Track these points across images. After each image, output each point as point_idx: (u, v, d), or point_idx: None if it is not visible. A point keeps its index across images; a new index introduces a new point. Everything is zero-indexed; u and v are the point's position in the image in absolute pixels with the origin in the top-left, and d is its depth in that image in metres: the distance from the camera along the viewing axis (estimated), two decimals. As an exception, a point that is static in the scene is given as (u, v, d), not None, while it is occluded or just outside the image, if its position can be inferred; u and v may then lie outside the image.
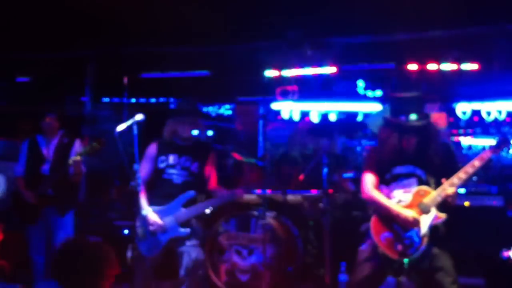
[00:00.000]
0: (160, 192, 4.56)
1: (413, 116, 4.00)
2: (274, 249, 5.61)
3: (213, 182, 4.71)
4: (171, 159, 4.57)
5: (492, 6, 5.88)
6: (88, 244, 2.93)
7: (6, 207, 5.60)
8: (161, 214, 4.50)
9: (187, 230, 4.50)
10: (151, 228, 4.46)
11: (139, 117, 4.37)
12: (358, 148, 7.09)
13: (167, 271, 4.59)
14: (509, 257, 4.00)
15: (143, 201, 4.54)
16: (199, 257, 4.55)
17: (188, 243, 4.52)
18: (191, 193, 4.51)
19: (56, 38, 7.20)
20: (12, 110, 8.17)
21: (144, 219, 4.50)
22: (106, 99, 8.97)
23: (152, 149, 4.68)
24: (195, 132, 4.64)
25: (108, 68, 8.03)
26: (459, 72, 6.83)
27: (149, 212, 4.49)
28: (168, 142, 4.60)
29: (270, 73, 7.46)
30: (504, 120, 6.89)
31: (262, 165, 6.03)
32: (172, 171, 4.56)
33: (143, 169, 4.59)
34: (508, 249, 4.77)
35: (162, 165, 4.61)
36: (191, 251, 4.51)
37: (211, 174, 4.71)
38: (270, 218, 5.70)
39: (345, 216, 5.80)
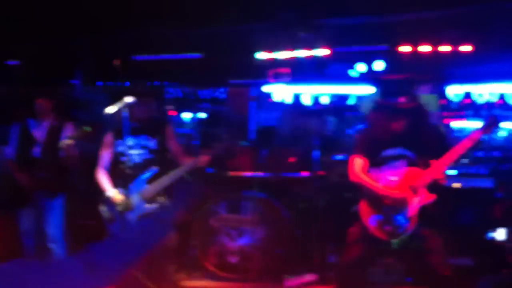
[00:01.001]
0: (123, 173, 4.55)
1: (402, 98, 3.99)
2: (264, 231, 5.62)
3: (179, 154, 4.72)
4: (128, 141, 4.58)
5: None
6: None
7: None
8: (126, 193, 4.52)
9: (154, 206, 4.53)
10: (118, 208, 4.48)
11: (129, 99, 4.35)
12: (350, 131, 7.06)
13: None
14: (494, 238, 4.03)
15: (107, 184, 4.59)
16: (170, 232, 4.54)
17: (156, 220, 4.52)
18: (154, 169, 4.55)
19: (47, 23, 7.14)
20: (3, 94, 8.12)
21: (110, 201, 4.54)
22: (99, 83, 8.93)
23: (109, 136, 4.72)
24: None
25: (100, 51, 7.98)
26: (452, 53, 6.80)
27: (114, 192, 4.53)
28: (121, 126, 4.57)
29: (261, 55, 7.42)
30: (496, 103, 6.88)
31: (253, 147, 6.03)
32: (131, 151, 4.57)
33: (104, 157, 4.69)
34: (494, 230, 4.78)
35: (120, 148, 4.64)
36: (161, 227, 4.52)
37: (174, 146, 4.73)
38: (260, 200, 5.70)
39: (335, 198, 5.80)
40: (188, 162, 4.68)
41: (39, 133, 5.51)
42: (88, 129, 5.08)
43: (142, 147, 4.64)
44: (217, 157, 6.06)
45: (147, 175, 4.55)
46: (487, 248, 4.93)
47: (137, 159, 4.57)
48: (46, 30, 7.38)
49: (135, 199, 4.53)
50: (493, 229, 3.89)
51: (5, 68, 8.51)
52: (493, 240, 3.16)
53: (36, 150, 5.44)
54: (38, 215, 5.45)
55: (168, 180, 4.57)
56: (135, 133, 4.58)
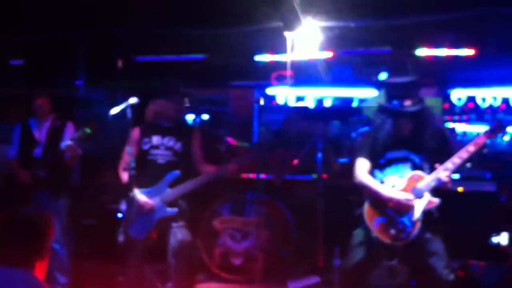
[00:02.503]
0: (145, 173, 4.54)
1: (407, 102, 3.99)
2: (268, 233, 5.63)
3: (200, 161, 4.71)
4: (155, 140, 4.58)
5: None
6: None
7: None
8: (147, 195, 4.50)
9: (175, 209, 4.52)
10: (139, 209, 4.46)
11: (133, 100, 4.35)
12: (353, 134, 7.08)
13: (157, 252, 4.60)
14: (498, 243, 4.04)
15: (128, 183, 4.54)
16: (185, 238, 4.56)
17: (174, 224, 4.55)
18: (176, 172, 4.53)
19: (49, 21, 7.13)
20: (4, 92, 8.11)
21: (132, 201, 4.50)
22: (101, 82, 8.91)
23: (136, 132, 4.69)
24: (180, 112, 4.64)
25: (102, 51, 7.97)
26: (455, 57, 6.81)
27: (137, 193, 4.49)
28: (151, 124, 4.57)
29: (263, 57, 7.42)
30: (499, 107, 6.89)
31: (256, 150, 6.02)
32: (156, 151, 4.56)
33: (127, 152, 4.55)
34: (498, 234, 4.78)
35: (145, 147, 4.62)
36: (177, 233, 4.53)
37: (197, 152, 4.72)
38: (264, 202, 5.71)
39: (339, 201, 5.80)
40: (212, 171, 4.66)
41: (40, 133, 5.50)
42: (88, 130, 5.04)
43: (167, 148, 4.61)
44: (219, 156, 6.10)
45: (169, 178, 4.52)
46: (490, 252, 4.93)
47: (161, 160, 4.56)
48: (48, 29, 7.37)
49: (156, 201, 4.51)
50: (497, 233, 3.90)
51: (8, 68, 8.50)
52: (497, 244, 3.15)
53: (37, 150, 5.44)
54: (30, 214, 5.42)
55: (191, 186, 4.55)
56: (163, 132, 4.57)
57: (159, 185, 4.51)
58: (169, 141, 4.62)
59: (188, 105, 4.77)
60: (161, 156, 4.56)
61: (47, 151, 5.40)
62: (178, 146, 4.63)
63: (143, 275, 4.58)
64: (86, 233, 5.63)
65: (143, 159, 4.57)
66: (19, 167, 5.44)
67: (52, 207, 5.39)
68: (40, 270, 2.76)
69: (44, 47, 7.93)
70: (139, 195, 4.48)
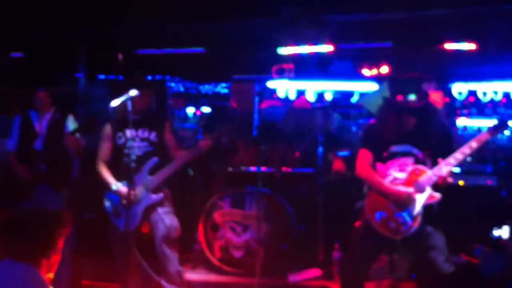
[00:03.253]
0: (124, 166, 4.52)
1: (412, 96, 3.99)
2: (268, 226, 5.63)
3: (174, 148, 4.75)
4: (129, 133, 4.58)
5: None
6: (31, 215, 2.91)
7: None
8: (130, 186, 4.51)
9: (160, 195, 4.59)
10: (124, 202, 4.48)
11: (133, 92, 4.34)
12: (353, 127, 7.08)
13: (149, 241, 4.63)
14: (499, 236, 4.05)
15: (109, 178, 4.62)
16: (173, 223, 4.62)
17: (160, 210, 4.60)
18: (155, 159, 4.59)
19: (50, 16, 7.12)
20: (5, 86, 8.10)
21: (115, 195, 4.58)
22: (101, 76, 8.91)
23: (107, 129, 4.72)
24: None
25: (103, 45, 7.96)
26: (456, 52, 6.80)
27: (119, 186, 4.55)
28: (121, 119, 4.57)
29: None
30: (500, 101, 6.89)
31: (257, 143, 6.03)
32: (131, 144, 4.57)
33: (103, 150, 4.70)
34: (499, 227, 4.79)
35: (120, 141, 4.65)
36: (165, 218, 4.59)
37: (170, 140, 4.77)
38: (264, 195, 5.71)
39: (340, 194, 5.80)
40: (185, 153, 4.71)
41: (40, 125, 5.49)
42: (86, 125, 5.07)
43: (142, 139, 4.66)
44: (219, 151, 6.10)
45: (148, 166, 4.59)
46: (491, 246, 4.94)
47: (138, 151, 4.57)
48: (48, 23, 7.36)
49: (140, 191, 4.55)
50: (498, 227, 3.91)
51: (9, 61, 8.49)
52: (497, 237, 3.16)
53: (37, 143, 5.43)
54: (43, 209, 5.43)
55: (170, 169, 4.61)
56: (135, 125, 4.58)
57: (139, 174, 4.53)
58: (144, 132, 4.67)
59: (154, 97, 4.78)
60: (137, 148, 4.58)
61: (48, 143, 5.39)
62: (152, 135, 4.69)
63: (139, 268, 4.59)
64: (85, 227, 5.61)
65: (119, 153, 4.62)
66: (17, 162, 5.42)
67: (52, 200, 5.39)
68: (46, 267, 2.76)
69: (44, 42, 7.93)
70: (121, 187, 4.53)
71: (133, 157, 4.37)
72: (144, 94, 4.62)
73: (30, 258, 2.70)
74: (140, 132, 4.67)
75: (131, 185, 4.32)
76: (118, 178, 4.60)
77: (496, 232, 4.34)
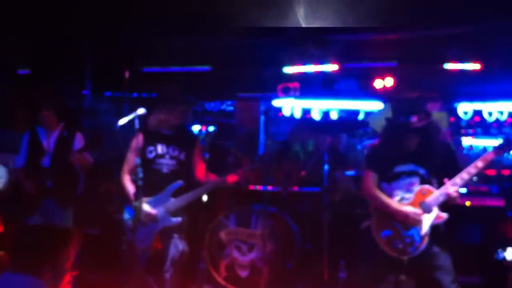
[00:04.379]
0: (149, 182, 4.48)
1: (415, 117, 4.01)
2: (274, 245, 5.61)
3: (201, 171, 4.73)
4: (160, 148, 4.57)
5: (495, 4, 5.86)
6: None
7: (6, 198, 5.59)
8: (151, 204, 4.50)
9: (178, 219, 4.55)
10: (143, 219, 4.46)
11: (141, 111, 4.36)
12: (359, 146, 7.08)
13: (157, 262, 4.61)
14: (504, 258, 4.04)
15: (132, 192, 4.52)
16: (185, 249, 4.62)
17: (175, 235, 4.58)
18: (180, 182, 4.54)
19: (57, 31, 7.17)
20: (11, 101, 8.14)
21: (135, 211, 4.48)
22: (108, 93, 8.95)
23: (139, 140, 4.64)
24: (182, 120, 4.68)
25: (109, 62, 8.00)
26: (461, 71, 6.82)
27: (142, 203, 4.49)
28: (154, 132, 4.57)
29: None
30: (505, 121, 6.89)
31: (258, 161, 6.04)
32: (161, 161, 4.56)
33: (130, 161, 4.61)
34: (504, 249, 4.77)
35: (151, 155, 4.61)
36: (178, 243, 4.58)
37: (198, 163, 4.74)
38: (270, 214, 5.70)
39: (345, 214, 5.80)
40: (213, 181, 4.68)
41: (48, 142, 5.51)
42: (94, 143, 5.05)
43: (172, 157, 4.62)
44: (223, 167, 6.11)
45: (173, 187, 4.53)
46: (497, 267, 4.92)
47: (165, 169, 4.56)
48: (55, 38, 7.41)
49: (159, 211, 4.51)
50: (504, 248, 3.90)
51: (16, 77, 8.54)
52: (503, 259, 3.15)
53: (45, 160, 5.44)
54: (50, 225, 5.44)
55: (194, 195, 4.58)
56: (166, 141, 4.57)
57: (162, 194, 4.52)
58: (174, 151, 4.63)
59: (191, 114, 4.76)
60: (165, 165, 4.56)
61: (55, 160, 5.41)
62: (182, 155, 4.64)
63: (146, 284, 4.58)
64: (89, 243, 5.61)
65: (147, 167, 4.53)
66: (24, 178, 5.44)
67: (58, 216, 5.40)
68: (54, 284, 2.77)
69: (51, 57, 7.98)
70: (144, 204, 4.49)
71: (159, 173, 4.39)
72: (177, 110, 4.62)
73: (32, 271, 2.72)
74: (171, 150, 4.63)
75: (151, 202, 4.29)
76: (144, 193, 4.51)
77: (502, 254, 4.32)
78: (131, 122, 4.31)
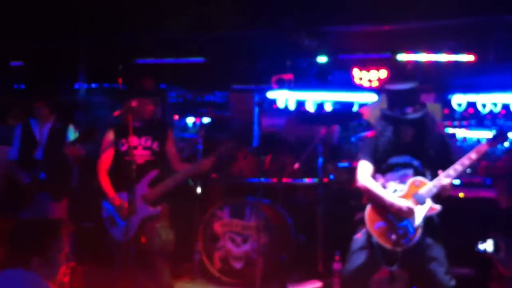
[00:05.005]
0: (124, 174, 4.50)
1: (409, 109, 4.00)
2: (268, 237, 5.62)
3: (175, 159, 4.74)
4: (132, 140, 4.57)
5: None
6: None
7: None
8: (129, 197, 4.50)
9: (157, 209, 4.55)
10: (121, 212, 4.47)
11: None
12: (353, 138, 7.09)
13: (143, 253, 4.61)
14: (484, 250, 4.07)
15: (108, 187, 4.58)
16: (169, 238, 4.61)
17: (157, 224, 4.57)
18: (155, 172, 4.56)
19: (51, 25, 7.14)
20: (5, 95, 8.11)
21: (112, 205, 4.54)
22: (101, 85, 8.92)
23: (110, 135, 4.69)
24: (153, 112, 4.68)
25: (103, 54, 7.97)
26: (455, 63, 6.82)
27: (117, 196, 4.52)
28: (125, 125, 4.57)
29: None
30: (499, 113, 6.91)
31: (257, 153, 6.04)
32: (134, 152, 4.56)
33: (104, 157, 4.66)
34: (484, 241, 4.77)
35: (123, 148, 4.62)
36: (161, 233, 4.57)
37: (172, 151, 4.74)
38: (264, 206, 5.71)
39: (339, 205, 5.81)
40: (188, 168, 4.69)
41: (41, 134, 5.49)
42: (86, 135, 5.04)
43: (144, 148, 4.63)
44: (219, 162, 6.09)
45: (149, 177, 4.55)
46: (478, 259, 4.93)
47: (139, 160, 4.56)
48: (48, 31, 7.37)
49: (138, 202, 4.52)
50: (484, 240, 3.93)
51: (8, 69, 8.50)
52: (483, 252, 3.17)
53: (38, 152, 5.43)
54: (40, 217, 5.43)
55: (170, 183, 4.58)
56: (138, 133, 4.57)
57: (139, 185, 4.51)
58: (147, 141, 4.63)
59: (162, 105, 4.75)
60: (139, 156, 4.56)
61: (48, 152, 5.39)
62: (155, 145, 4.65)
63: (136, 277, 4.58)
64: (84, 236, 5.61)
65: (121, 160, 4.59)
66: (18, 171, 5.42)
67: (52, 209, 5.39)
68: (48, 276, 2.77)
69: (44, 51, 7.94)
70: (120, 198, 4.50)
71: (133, 165, 4.38)
72: (148, 102, 4.62)
73: (30, 266, 2.71)
74: (143, 141, 4.64)
75: (131, 195, 4.31)
76: (118, 186, 4.57)
77: (481, 246, 4.33)
78: (127, 111, 4.31)
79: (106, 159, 4.66)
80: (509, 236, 4.59)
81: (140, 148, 4.61)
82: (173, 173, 4.67)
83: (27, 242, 2.78)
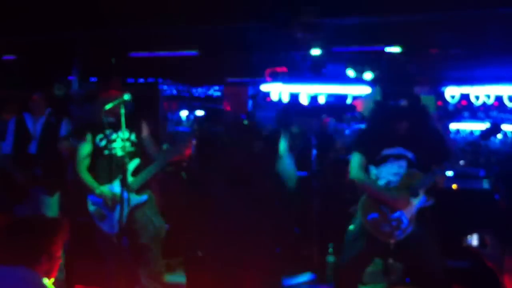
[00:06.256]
0: (106, 168, 4.54)
1: (403, 101, 4.01)
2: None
3: (153, 146, 4.75)
4: (109, 134, 4.57)
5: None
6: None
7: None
8: (113, 188, 4.51)
9: (144, 196, 4.57)
10: (109, 204, 4.48)
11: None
12: (347, 131, 7.10)
13: (136, 243, 4.60)
14: (470, 244, 4.04)
15: (92, 181, 4.57)
16: (161, 224, 4.64)
17: (148, 211, 4.59)
18: (136, 161, 4.57)
19: (44, 18, 7.11)
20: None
21: (98, 198, 4.53)
22: (94, 79, 8.90)
23: (86, 132, 4.70)
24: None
25: (96, 48, 7.95)
26: (449, 55, 6.84)
27: (102, 189, 4.52)
28: (99, 121, 4.57)
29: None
30: (492, 105, 6.93)
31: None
32: (113, 145, 4.57)
33: (83, 153, 4.65)
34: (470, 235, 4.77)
35: (102, 143, 4.62)
36: (154, 219, 4.60)
37: (149, 139, 4.75)
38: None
39: (334, 197, 5.81)
40: (167, 153, 4.71)
41: (34, 128, 5.48)
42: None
43: (123, 140, 4.61)
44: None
45: (131, 167, 4.55)
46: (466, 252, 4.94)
47: (119, 152, 4.55)
48: (42, 25, 7.34)
49: (123, 192, 4.52)
50: (470, 234, 3.92)
51: (1, 64, 8.47)
52: (469, 245, 3.17)
53: (32, 146, 5.42)
54: (34, 212, 5.42)
55: (153, 170, 4.58)
56: (115, 127, 4.57)
57: (122, 176, 4.51)
58: (124, 133, 4.62)
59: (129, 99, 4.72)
60: (119, 148, 4.56)
61: (42, 147, 5.38)
62: (132, 136, 4.66)
63: (129, 268, 4.58)
64: (79, 230, 5.60)
65: (101, 155, 4.60)
66: (13, 166, 5.41)
67: (46, 203, 5.38)
68: (44, 273, 2.77)
69: (37, 44, 7.91)
70: (104, 190, 4.51)
71: (114, 158, 4.39)
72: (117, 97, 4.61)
73: (27, 263, 2.71)
74: (120, 133, 4.61)
75: (123, 186, 4.31)
76: (100, 180, 4.57)
77: (468, 239, 4.34)
78: (100, 106, 4.31)
79: (83, 154, 4.64)
80: (499, 230, 4.60)
81: (118, 140, 4.60)
82: (152, 158, 4.68)
83: (35, 240, 2.77)
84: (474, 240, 3.26)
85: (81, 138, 4.81)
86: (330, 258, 5.33)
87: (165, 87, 9.05)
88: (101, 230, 4.58)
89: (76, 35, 7.85)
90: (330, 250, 5.41)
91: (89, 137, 4.67)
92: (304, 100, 7.71)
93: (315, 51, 7.38)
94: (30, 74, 7.83)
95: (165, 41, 7.92)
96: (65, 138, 5.23)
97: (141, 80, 9.11)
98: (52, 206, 5.41)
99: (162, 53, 8.28)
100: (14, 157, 5.45)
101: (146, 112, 4.95)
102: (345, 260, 4.14)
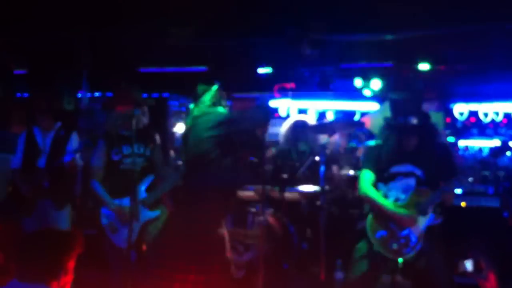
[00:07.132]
0: (121, 183, 4.57)
1: (413, 118, 4.01)
2: (270, 245, 5.62)
3: (161, 164, 4.83)
4: (124, 149, 4.59)
5: (491, 5, 5.88)
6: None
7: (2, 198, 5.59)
8: (125, 203, 4.52)
9: (157, 212, 4.63)
10: (122, 219, 4.49)
11: (141, 110, 4.39)
12: (355, 146, 7.09)
13: (148, 257, 4.60)
14: (466, 269, 4.05)
15: (105, 195, 4.62)
16: None
17: (161, 226, 4.58)
18: (151, 177, 4.64)
19: (53, 32, 7.17)
20: (7, 102, 8.14)
21: (112, 213, 4.57)
22: (99, 94, 8.94)
23: (101, 145, 4.74)
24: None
25: (106, 62, 8.00)
26: (457, 72, 6.83)
27: (116, 205, 4.56)
28: (115, 135, 4.59)
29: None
30: (501, 122, 6.91)
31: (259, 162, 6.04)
32: (128, 160, 4.58)
33: (98, 167, 4.70)
34: (467, 261, 4.74)
35: (117, 157, 4.66)
36: None
37: (158, 157, 4.82)
38: (266, 214, 5.70)
39: (342, 214, 5.80)
40: (179, 170, 4.75)
41: (44, 143, 5.50)
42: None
43: (138, 155, 4.66)
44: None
45: (145, 183, 4.60)
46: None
47: (134, 167, 4.57)
48: (50, 39, 7.41)
49: (138, 207, 4.54)
50: (466, 260, 3.93)
51: (12, 77, 8.52)
52: (465, 270, 3.16)
53: (41, 160, 5.44)
54: (43, 225, 5.44)
55: (167, 187, 4.62)
56: (129, 141, 4.59)
57: (136, 191, 4.53)
58: (139, 148, 4.67)
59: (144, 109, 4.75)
60: (134, 163, 4.58)
61: (51, 161, 5.40)
62: (147, 151, 4.72)
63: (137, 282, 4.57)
64: (87, 243, 5.60)
65: (116, 169, 4.64)
66: (20, 179, 5.44)
67: (55, 217, 5.40)
68: (59, 286, 2.78)
69: (47, 58, 7.97)
70: (118, 206, 4.54)
71: (128, 172, 4.41)
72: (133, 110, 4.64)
73: (41, 279, 2.72)
74: (136, 148, 4.67)
75: (133, 202, 4.32)
76: (113, 194, 4.61)
77: (465, 264, 4.33)
78: (116, 120, 4.35)
79: (97, 168, 4.72)
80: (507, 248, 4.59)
81: (134, 155, 4.64)
82: (166, 174, 4.73)
83: (54, 256, 2.79)
84: (469, 265, 3.25)
85: (95, 148, 4.85)
86: (338, 275, 5.30)
87: (174, 102, 9.08)
88: (113, 243, 4.60)
89: (86, 50, 7.91)
90: (338, 266, 5.39)
91: (103, 149, 4.70)
92: (312, 116, 7.71)
93: (324, 68, 7.40)
94: (40, 88, 7.88)
95: (175, 57, 7.97)
96: (76, 152, 5.25)
97: (152, 95, 9.14)
98: (61, 219, 5.42)
99: (171, 68, 8.33)
100: (23, 170, 5.47)
101: (156, 127, 4.98)
102: (353, 277, 4.12)
